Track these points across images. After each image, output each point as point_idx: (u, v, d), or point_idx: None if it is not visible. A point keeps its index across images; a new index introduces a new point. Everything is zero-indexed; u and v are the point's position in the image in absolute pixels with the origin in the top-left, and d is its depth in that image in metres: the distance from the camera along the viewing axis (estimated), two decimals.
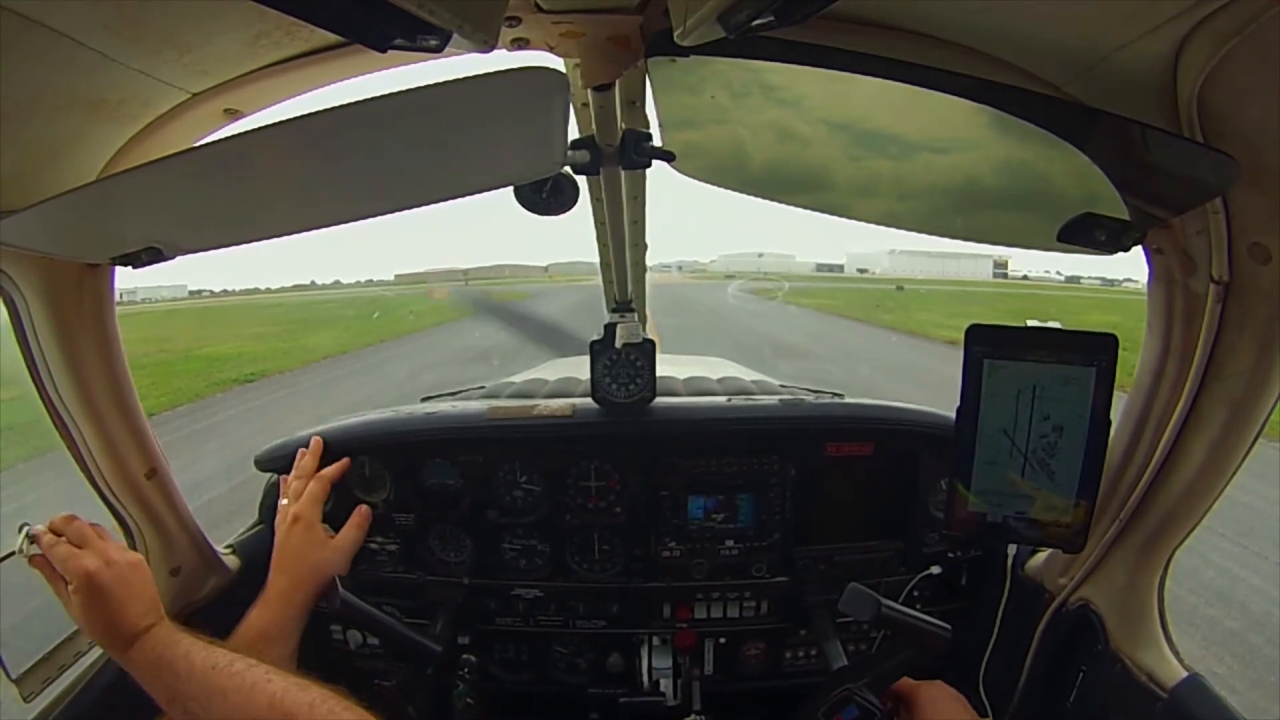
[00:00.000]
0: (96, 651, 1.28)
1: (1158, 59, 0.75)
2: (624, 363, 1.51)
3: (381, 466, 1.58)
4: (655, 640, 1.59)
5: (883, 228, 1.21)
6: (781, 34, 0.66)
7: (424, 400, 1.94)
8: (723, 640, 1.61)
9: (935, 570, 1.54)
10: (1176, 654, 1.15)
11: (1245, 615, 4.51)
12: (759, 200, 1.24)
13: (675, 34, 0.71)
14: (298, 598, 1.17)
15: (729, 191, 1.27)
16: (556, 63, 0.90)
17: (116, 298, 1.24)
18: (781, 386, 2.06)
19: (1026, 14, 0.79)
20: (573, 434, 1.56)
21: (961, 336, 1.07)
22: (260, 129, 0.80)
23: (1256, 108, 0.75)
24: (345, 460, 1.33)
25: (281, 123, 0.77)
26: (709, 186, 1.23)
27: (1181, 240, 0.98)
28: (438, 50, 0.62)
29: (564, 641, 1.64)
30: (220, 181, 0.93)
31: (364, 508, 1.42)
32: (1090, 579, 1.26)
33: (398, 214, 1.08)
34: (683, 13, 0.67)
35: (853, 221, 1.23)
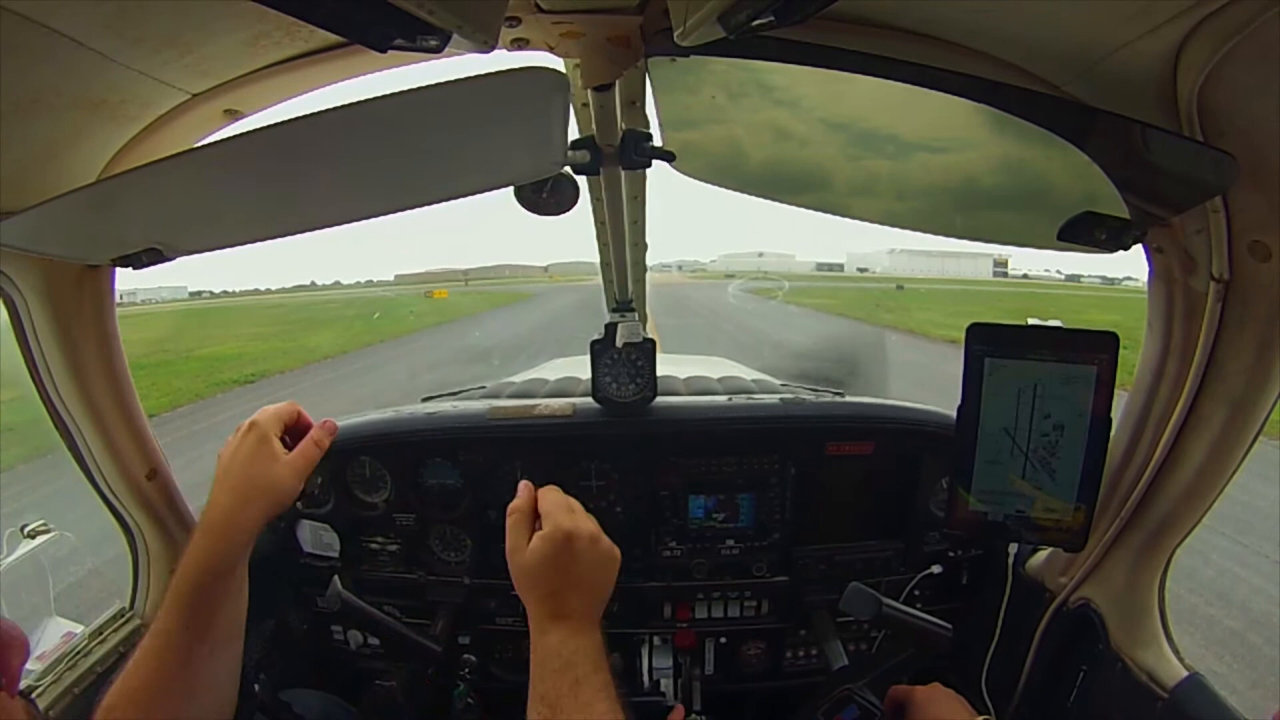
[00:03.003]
0: (98, 653, 1.29)
1: (1158, 59, 0.74)
2: (624, 362, 1.51)
3: (382, 466, 1.58)
4: (655, 640, 1.59)
5: (882, 227, 1.21)
6: (781, 34, 0.66)
7: (424, 400, 1.94)
8: (723, 640, 1.61)
9: (936, 569, 1.54)
10: (1177, 653, 1.15)
11: (1245, 614, 4.51)
12: (759, 200, 1.24)
13: (675, 34, 0.71)
14: (244, 520, 1.00)
15: (729, 191, 1.27)
16: (556, 63, 0.90)
17: (116, 299, 1.24)
18: (782, 386, 2.06)
19: (1026, 14, 0.79)
20: (573, 434, 1.56)
21: (962, 335, 1.07)
22: (260, 129, 0.80)
23: (1256, 107, 0.75)
24: (330, 422, 1.14)
25: (281, 123, 0.77)
26: (709, 186, 1.23)
27: (1181, 239, 0.97)
28: (438, 50, 0.62)
29: None
30: (220, 182, 0.93)
31: (328, 421, 1.17)
32: (1091, 578, 1.26)
33: (398, 214, 1.08)
34: (683, 13, 0.67)
35: (852, 221, 1.23)
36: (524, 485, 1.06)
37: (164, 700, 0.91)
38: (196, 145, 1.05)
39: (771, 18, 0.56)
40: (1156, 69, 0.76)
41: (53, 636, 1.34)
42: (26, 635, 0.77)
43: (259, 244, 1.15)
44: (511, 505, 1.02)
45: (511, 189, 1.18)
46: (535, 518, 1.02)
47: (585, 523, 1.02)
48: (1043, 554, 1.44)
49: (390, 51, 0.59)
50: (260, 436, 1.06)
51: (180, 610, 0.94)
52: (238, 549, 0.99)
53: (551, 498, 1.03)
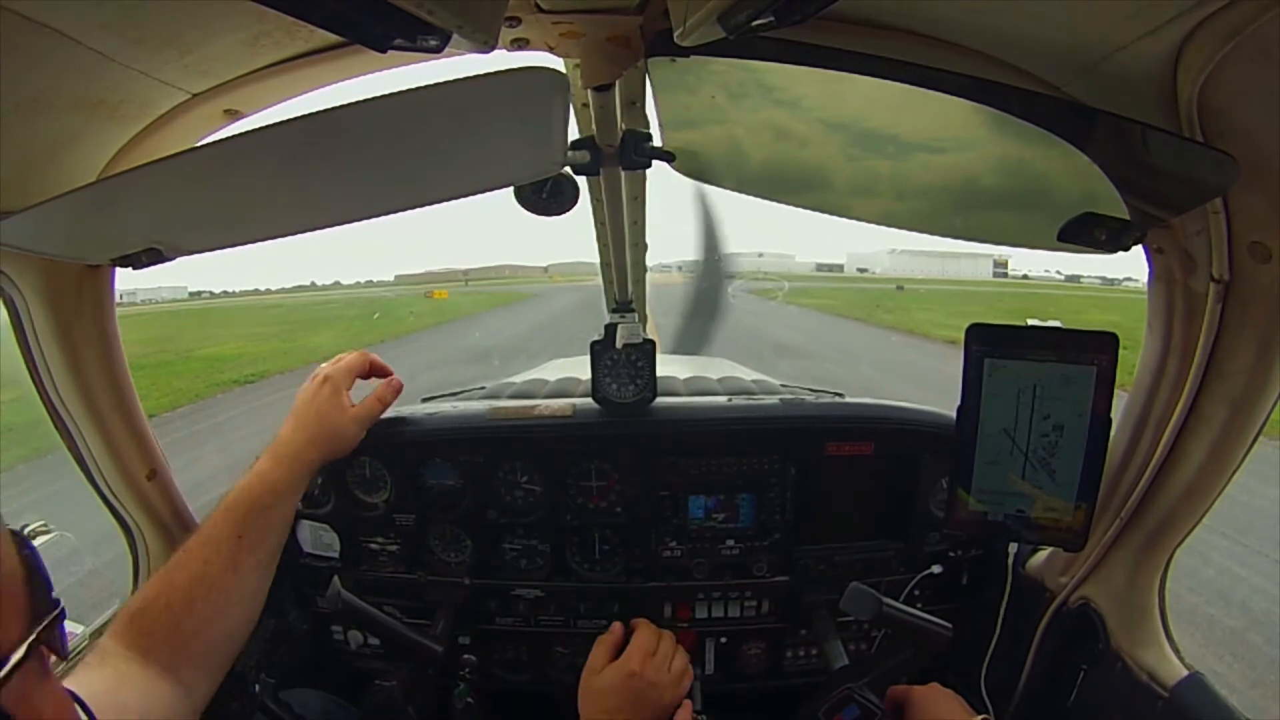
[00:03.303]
0: None
1: (1158, 59, 0.74)
2: (624, 363, 1.51)
3: (382, 467, 1.58)
4: None
5: (882, 227, 1.21)
6: (781, 34, 0.66)
7: (424, 400, 1.94)
8: (723, 640, 1.61)
9: (936, 569, 1.54)
10: (1177, 653, 1.15)
11: (1245, 614, 4.51)
12: (759, 200, 1.24)
13: (675, 34, 0.71)
14: (307, 455, 1.16)
15: (729, 191, 1.27)
16: (556, 63, 0.90)
17: (116, 298, 1.24)
18: (782, 386, 2.06)
19: (1026, 14, 0.79)
20: (573, 434, 1.56)
21: (961, 336, 1.07)
22: (260, 129, 0.80)
23: (1256, 108, 0.75)
24: (397, 381, 1.36)
25: (281, 123, 0.77)
26: (709, 187, 1.23)
27: (1181, 240, 0.98)
28: (438, 50, 0.62)
29: (564, 642, 1.64)
30: (220, 182, 0.93)
31: (395, 380, 1.37)
32: (1091, 578, 1.26)
33: (398, 214, 1.08)
34: (683, 13, 0.67)
35: (852, 221, 1.23)
36: (617, 624, 1.29)
37: (204, 602, 0.96)
38: (196, 145, 1.05)
39: (771, 18, 0.56)
40: (1156, 69, 0.76)
41: None
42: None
43: (259, 244, 1.15)
44: (602, 636, 1.24)
45: (511, 189, 1.18)
46: (621, 646, 1.22)
47: (655, 670, 1.20)
48: (1043, 554, 1.44)
49: (390, 51, 0.59)
50: (334, 388, 1.25)
51: (235, 521, 1.04)
52: (298, 479, 1.14)
53: (641, 639, 1.23)
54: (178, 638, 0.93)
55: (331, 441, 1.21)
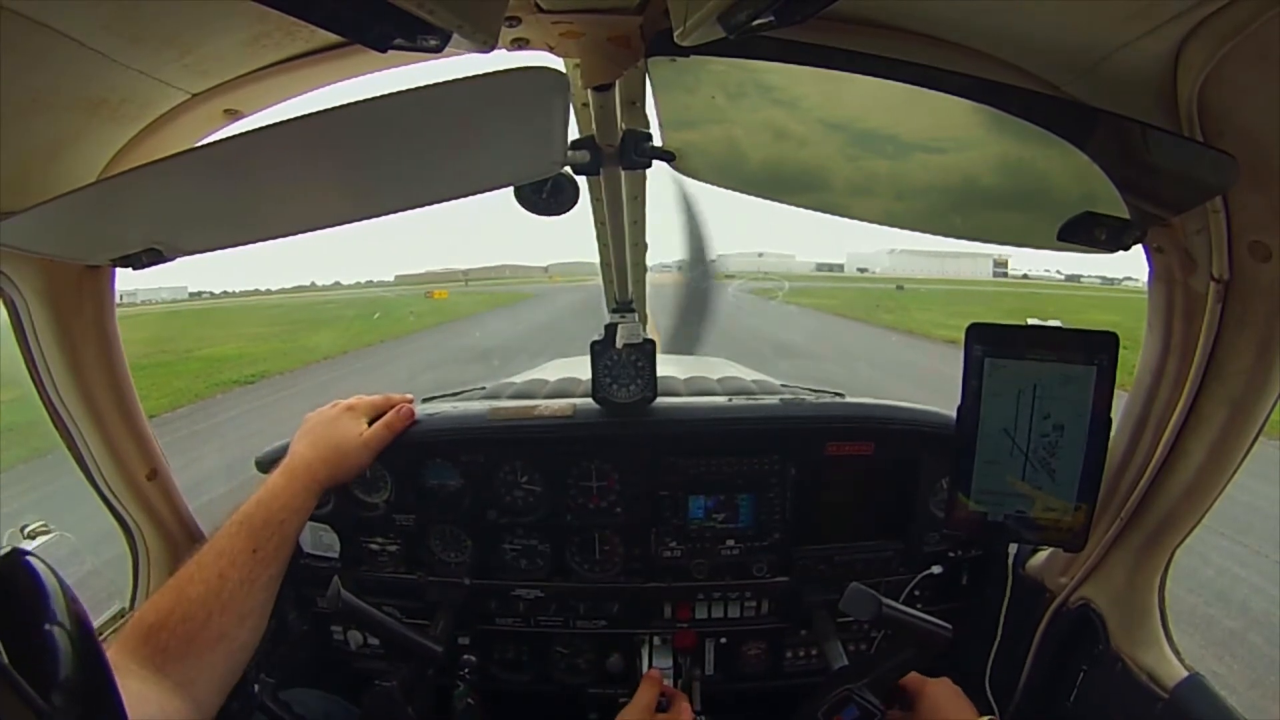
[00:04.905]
0: None
1: (1158, 59, 0.75)
2: (624, 363, 1.51)
3: (382, 467, 1.58)
4: (655, 640, 1.59)
5: (882, 227, 1.21)
6: (781, 34, 0.66)
7: (425, 401, 1.94)
8: (723, 640, 1.61)
9: (936, 570, 1.54)
10: (1177, 653, 1.15)
11: (1245, 614, 4.51)
12: (759, 200, 1.24)
13: (675, 34, 0.71)
14: (317, 471, 1.19)
15: (729, 191, 1.27)
16: (556, 63, 0.90)
17: (116, 299, 1.24)
18: (782, 386, 2.06)
19: (1026, 14, 0.79)
20: (573, 434, 1.56)
21: (961, 336, 1.06)
22: (260, 129, 0.80)
23: (1256, 107, 0.75)
24: (408, 409, 1.40)
25: (281, 123, 0.77)
26: (709, 186, 1.23)
27: (1181, 239, 0.98)
28: (438, 50, 0.62)
29: (564, 642, 1.64)
30: (220, 182, 0.93)
31: (406, 408, 1.42)
32: (1091, 578, 1.26)
33: (398, 214, 1.08)
34: (683, 13, 0.67)
35: (852, 221, 1.23)
36: (657, 673, 1.38)
37: (220, 616, 0.96)
38: (196, 145, 1.05)
39: (771, 18, 0.56)
40: (1156, 69, 0.76)
41: None
42: None
43: (259, 244, 1.15)
44: (651, 681, 1.31)
45: (511, 189, 1.18)
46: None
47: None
48: (1043, 554, 1.44)
49: (390, 51, 0.59)
50: (354, 415, 1.30)
51: (251, 534, 1.05)
52: (310, 495, 1.16)
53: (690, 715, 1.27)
54: (192, 653, 0.92)
55: (344, 460, 1.24)
